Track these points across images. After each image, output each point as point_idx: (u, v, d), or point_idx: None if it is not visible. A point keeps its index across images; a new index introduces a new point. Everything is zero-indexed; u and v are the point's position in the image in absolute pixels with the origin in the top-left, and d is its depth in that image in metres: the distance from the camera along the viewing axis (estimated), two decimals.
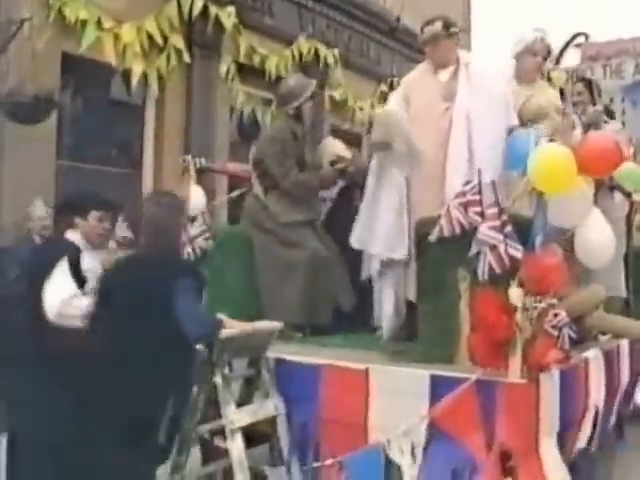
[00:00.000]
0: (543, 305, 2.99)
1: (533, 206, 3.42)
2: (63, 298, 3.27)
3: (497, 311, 2.91)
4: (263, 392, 3.52)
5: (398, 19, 11.20)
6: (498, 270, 3.17)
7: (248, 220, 4.54)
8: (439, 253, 3.45)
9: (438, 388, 3.17)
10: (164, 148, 7.67)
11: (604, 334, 4.45)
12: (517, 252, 3.15)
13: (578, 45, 8.82)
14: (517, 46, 4.60)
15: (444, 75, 4.19)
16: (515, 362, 2.95)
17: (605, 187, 4.55)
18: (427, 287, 3.58)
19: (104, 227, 3.59)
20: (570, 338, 3.49)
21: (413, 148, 3.81)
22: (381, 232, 3.95)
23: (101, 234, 3.60)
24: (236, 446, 3.27)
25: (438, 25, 4.20)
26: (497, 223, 3.14)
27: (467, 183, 3.36)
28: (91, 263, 3.54)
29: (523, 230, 3.28)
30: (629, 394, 4.39)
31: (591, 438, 3.71)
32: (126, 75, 7.44)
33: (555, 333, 3.19)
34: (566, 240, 3.95)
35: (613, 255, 4.07)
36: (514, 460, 2.95)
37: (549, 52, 4.77)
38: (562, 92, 5.58)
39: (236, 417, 3.31)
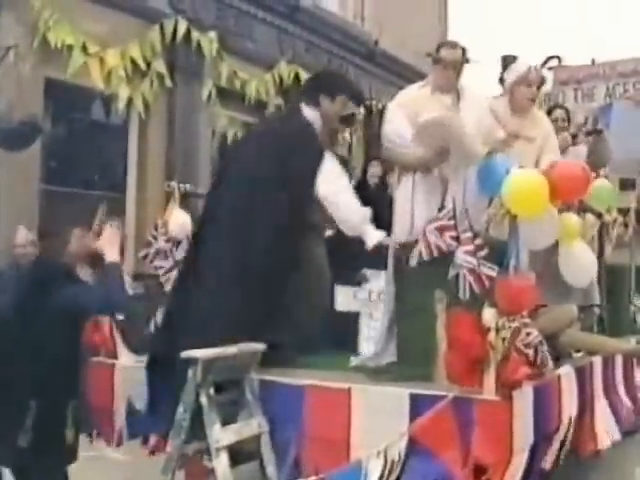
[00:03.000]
0: (515, 324, 3.13)
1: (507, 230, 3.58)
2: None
3: (471, 331, 3.04)
4: (247, 412, 3.60)
5: (376, 42, 11.42)
6: (477, 290, 3.33)
7: None
8: (416, 276, 3.59)
9: (417, 406, 3.27)
10: (147, 172, 7.76)
11: (578, 351, 4.61)
12: (493, 272, 3.31)
13: (551, 68, 9.01)
14: (511, 76, 4.53)
15: (447, 99, 4.17)
16: (489, 380, 3.08)
17: (575, 209, 4.71)
18: (405, 308, 3.72)
19: (344, 111, 3.96)
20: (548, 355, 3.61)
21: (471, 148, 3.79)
22: None
23: (337, 117, 3.96)
24: (221, 465, 3.36)
25: (459, 51, 4.19)
26: (471, 247, 3.29)
27: (441, 209, 3.51)
28: None
29: (498, 253, 3.45)
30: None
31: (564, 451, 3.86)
32: (108, 99, 7.54)
33: (528, 351, 3.31)
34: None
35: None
36: (489, 473, 3.07)
37: (543, 81, 4.75)
38: None
39: (221, 436, 3.39)
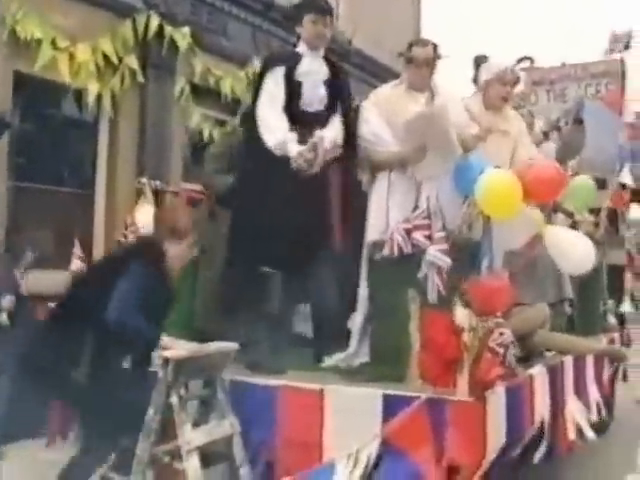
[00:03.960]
0: (489, 324, 3.13)
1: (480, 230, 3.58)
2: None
3: (445, 332, 3.03)
4: (219, 412, 3.55)
5: (350, 42, 11.39)
6: (444, 292, 3.33)
7: None
8: (389, 274, 3.57)
9: (390, 407, 3.26)
10: (117, 169, 7.64)
11: (549, 351, 4.63)
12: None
13: (523, 69, 9.06)
14: (487, 74, 4.55)
15: (421, 97, 4.16)
16: (463, 381, 3.07)
17: (548, 209, 4.73)
18: (378, 307, 3.70)
19: (318, 30, 4.15)
20: (517, 355, 3.61)
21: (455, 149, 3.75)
22: None
23: (317, 35, 4.16)
24: (192, 466, 3.30)
25: (431, 48, 4.18)
26: (445, 246, 3.28)
27: (415, 209, 3.50)
28: (311, 65, 4.16)
29: (472, 253, 3.44)
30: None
31: (537, 451, 3.87)
32: (78, 95, 7.41)
33: (501, 351, 3.31)
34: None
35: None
36: (463, 473, 3.06)
37: (517, 81, 4.74)
38: None
39: (192, 437, 3.34)
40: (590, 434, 4.25)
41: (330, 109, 4.19)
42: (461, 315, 3.07)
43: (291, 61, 4.17)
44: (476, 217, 3.59)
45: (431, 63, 4.17)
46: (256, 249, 3.94)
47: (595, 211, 6.46)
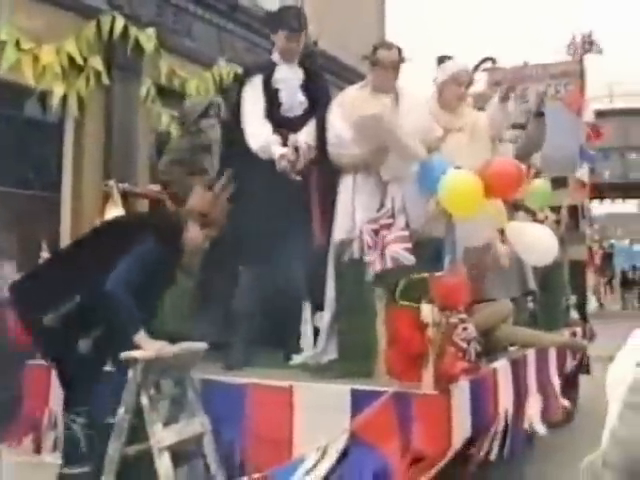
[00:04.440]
0: (453, 320, 3.22)
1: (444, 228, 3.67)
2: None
3: (411, 327, 3.11)
4: (189, 411, 3.59)
5: (315, 43, 11.44)
6: None
7: None
8: (356, 273, 3.65)
9: (358, 402, 3.33)
10: (84, 171, 7.58)
11: (513, 345, 4.74)
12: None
13: (485, 70, 9.19)
14: (442, 75, 4.64)
15: (386, 100, 4.19)
16: (428, 375, 3.16)
17: (509, 206, 4.85)
18: (345, 305, 3.77)
19: (290, 46, 4.36)
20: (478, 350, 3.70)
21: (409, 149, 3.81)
22: None
23: (289, 50, 4.37)
24: (164, 465, 3.34)
25: (396, 51, 4.23)
26: (409, 245, 3.37)
27: (381, 208, 3.58)
28: (286, 72, 4.35)
29: (436, 250, 3.53)
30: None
31: (502, 444, 3.96)
32: (43, 96, 7.36)
33: (465, 346, 3.40)
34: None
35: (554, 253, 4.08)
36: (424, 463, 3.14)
37: (471, 81, 4.89)
38: None
39: (163, 436, 3.38)
40: (541, 429, 4.33)
41: (310, 113, 4.31)
42: (426, 310, 3.15)
43: (267, 70, 4.36)
44: (439, 215, 3.68)
45: (396, 66, 4.24)
46: (234, 249, 4.06)
47: (556, 209, 6.63)
